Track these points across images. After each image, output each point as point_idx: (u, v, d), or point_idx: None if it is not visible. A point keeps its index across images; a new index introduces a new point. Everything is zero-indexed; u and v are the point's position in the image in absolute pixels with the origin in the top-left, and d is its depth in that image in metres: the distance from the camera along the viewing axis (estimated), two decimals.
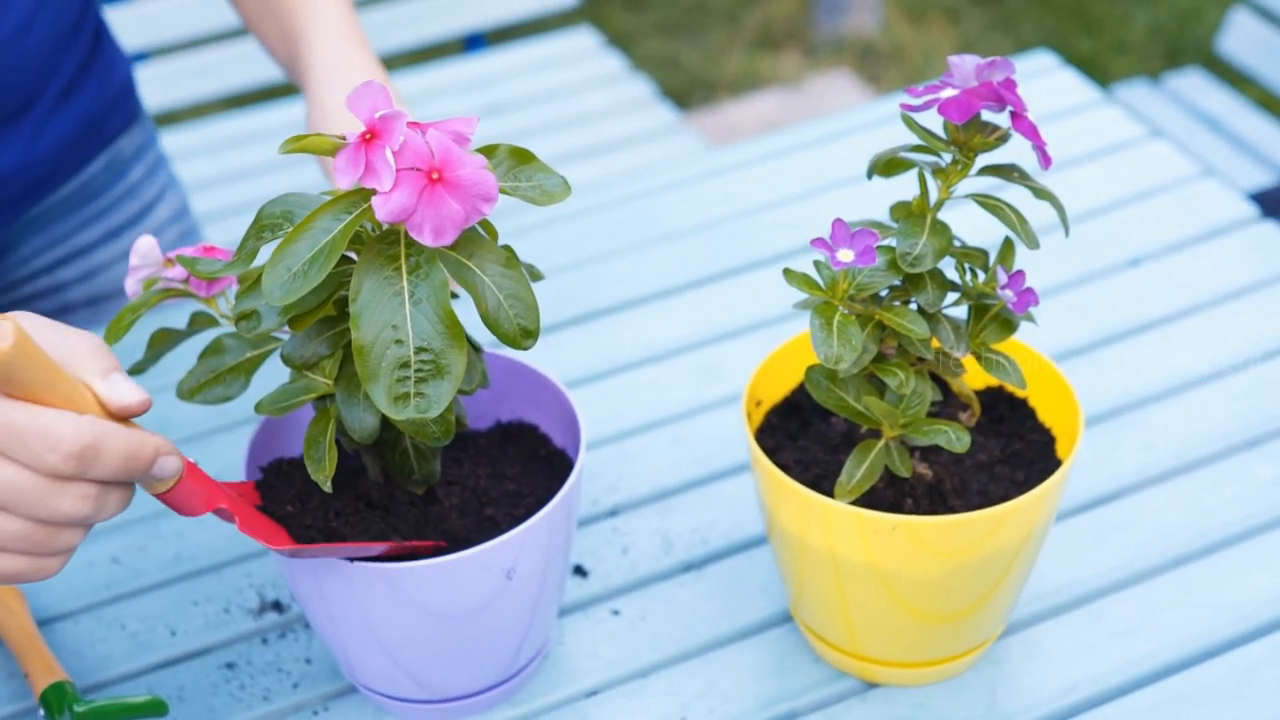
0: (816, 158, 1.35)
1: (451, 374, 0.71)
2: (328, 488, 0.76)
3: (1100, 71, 3.02)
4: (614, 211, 1.29)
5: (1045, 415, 0.91)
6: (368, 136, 0.70)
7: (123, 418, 0.69)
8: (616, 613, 0.95)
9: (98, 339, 0.71)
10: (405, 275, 0.72)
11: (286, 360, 0.79)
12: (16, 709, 0.91)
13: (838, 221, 0.78)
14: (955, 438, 0.80)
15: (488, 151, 0.76)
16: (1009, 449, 0.90)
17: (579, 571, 0.98)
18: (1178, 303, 1.17)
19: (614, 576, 0.98)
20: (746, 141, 1.38)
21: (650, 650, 0.93)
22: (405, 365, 0.71)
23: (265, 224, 0.76)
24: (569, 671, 0.92)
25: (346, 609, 0.83)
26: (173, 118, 2.55)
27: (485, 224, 0.78)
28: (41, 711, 0.86)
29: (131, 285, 0.84)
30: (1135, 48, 3.11)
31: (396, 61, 2.63)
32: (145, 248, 0.84)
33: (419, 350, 0.71)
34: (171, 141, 2.09)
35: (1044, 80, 1.40)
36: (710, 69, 3.13)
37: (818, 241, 0.78)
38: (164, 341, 0.85)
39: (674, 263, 1.24)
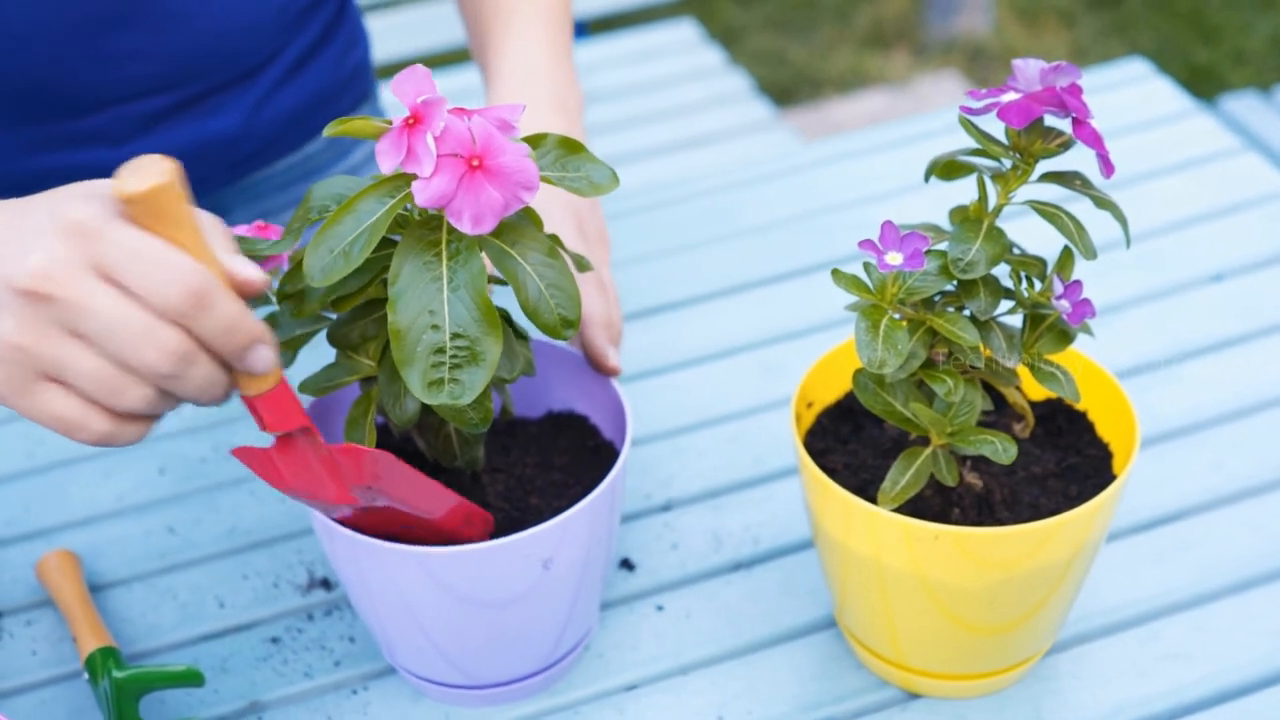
0: (904, 157, 1.33)
1: (486, 361, 0.71)
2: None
3: (1216, 82, 2.96)
4: (689, 205, 1.29)
5: (1104, 430, 0.89)
6: (410, 121, 0.71)
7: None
8: (661, 608, 0.95)
9: (221, 221, 0.72)
10: (445, 261, 0.72)
11: (332, 340, 0.80)
12: (64, 671, 0.92)
13: (887, 223, 0.76)
14: (1002, 449, 0.79)
15: (536, 140, 0.76)
16: (1064, 462, 0.88)
17: (626, 565, 0.97)
18: (1259, 321, 1.13)
19: (661, 572, 0.97)
20: (833, 138, 1.37)
21: (693, 648, 0.92)
22: (440, 351, 0.71)
23: (314, 206, 0.77)
24: (609, 664, 0.92)
25: (385, 591, 0.83)
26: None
27: (531, 213, 0.78)
28: (86, 675, 0.87)
29: None
30: (1254, 58, 3.04)
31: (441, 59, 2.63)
32: (204, 222, 0.84)
33: (455, 336, 0.71)
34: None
35: (1136, 88, 1.37)
36: (817, 66, 3.11)
37: (866, 243, 0.76)
38: None
39: (746, 259, 1.23)
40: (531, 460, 0.90)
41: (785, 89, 3.05)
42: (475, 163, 0.70)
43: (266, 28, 1.12)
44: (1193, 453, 1.03)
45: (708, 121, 2.08)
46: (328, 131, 0.73)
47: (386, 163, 0.71)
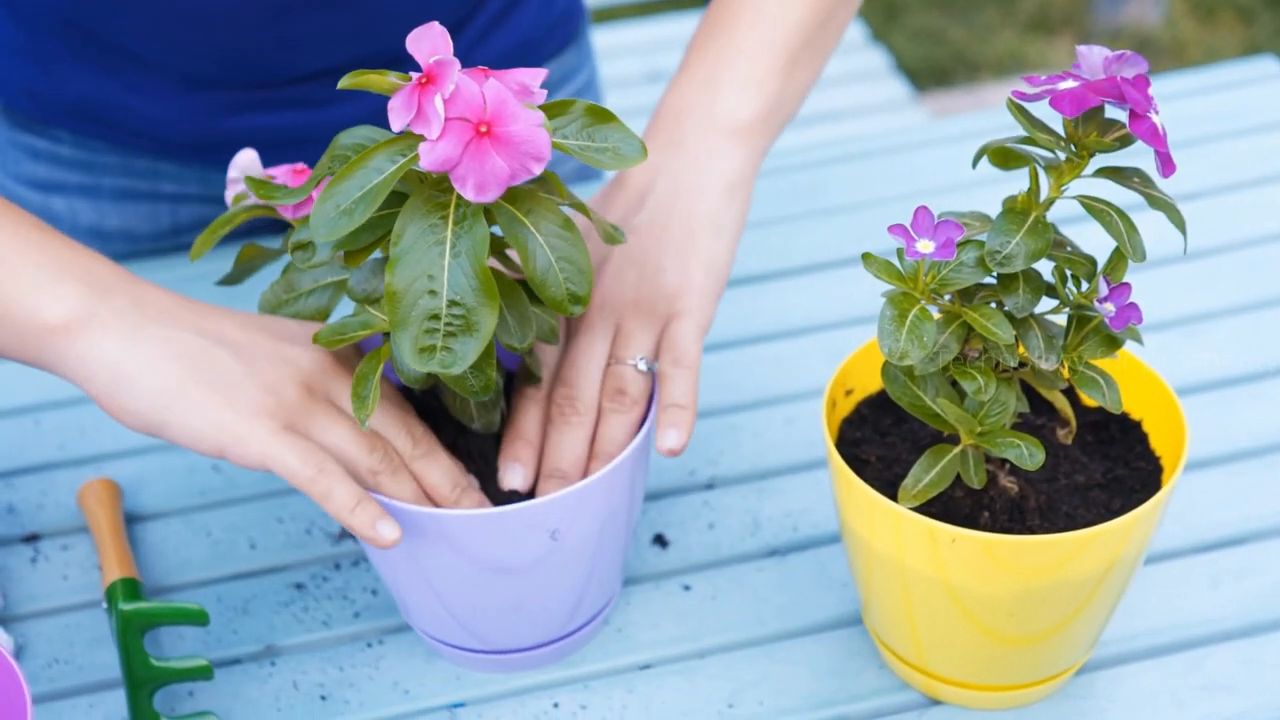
0: None
1: (480, 332, 0.70)
2: (365, 427, 0.75)
3: None
4: (781, 179, 1.25)
5: (1157, 442, 0.85)
6: (424, 81, 0.69)
7: None
8: (688, 588, 0.93)
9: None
10: (451, 225, 0.70)
11: (350, 293, 0.79)
12: (91, 598, 0.93)
13: (921, 209, 0.73)
14: (1028, 454, 0.75)
15: (562, 107, 0.74)
16: (1111, 473, 0.84)
17: (659, 541, 0.95)
18: None
19: (694, 552, 0.95)
20: (951, 118, 1.33)
21: (714, 631, 0.90)
22: (436, 317, 0.70)
23: (337, 155, 0.76)
24: (628, 641, 0.90)
25: (399, 551, 0.82)
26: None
27: (554, 180, 0.76)
28: (105, 604, 0.88)
29: (229, 198, 0.84)
30: None
31: (647, 9, 2.61)
32: (245, 161, 0.84)
33: (451, 304, 0.70)
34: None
35: (1263, 87, 1.30)
36: (976, 48, 3.03)
37: (896, 229, 0.73)
38: (253, 257, 0.85)
39: (832, 237, 1.19)
40: None
41: (941, 70, 2.98)
42: (483, 129, 0.68)
43: None
44: (1269, 474, 0.97)
45: (842, 97, 2.04)
46: (342, 84, 0.71)
47: (397, 121, 0.69)
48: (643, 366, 0.84)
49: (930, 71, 2.96)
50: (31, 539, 0.97)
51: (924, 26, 3.10)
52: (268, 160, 0.98)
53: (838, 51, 2.11)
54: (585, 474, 0.83)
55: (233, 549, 0.96)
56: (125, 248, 1.16)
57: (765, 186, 1.24)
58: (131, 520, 0.98)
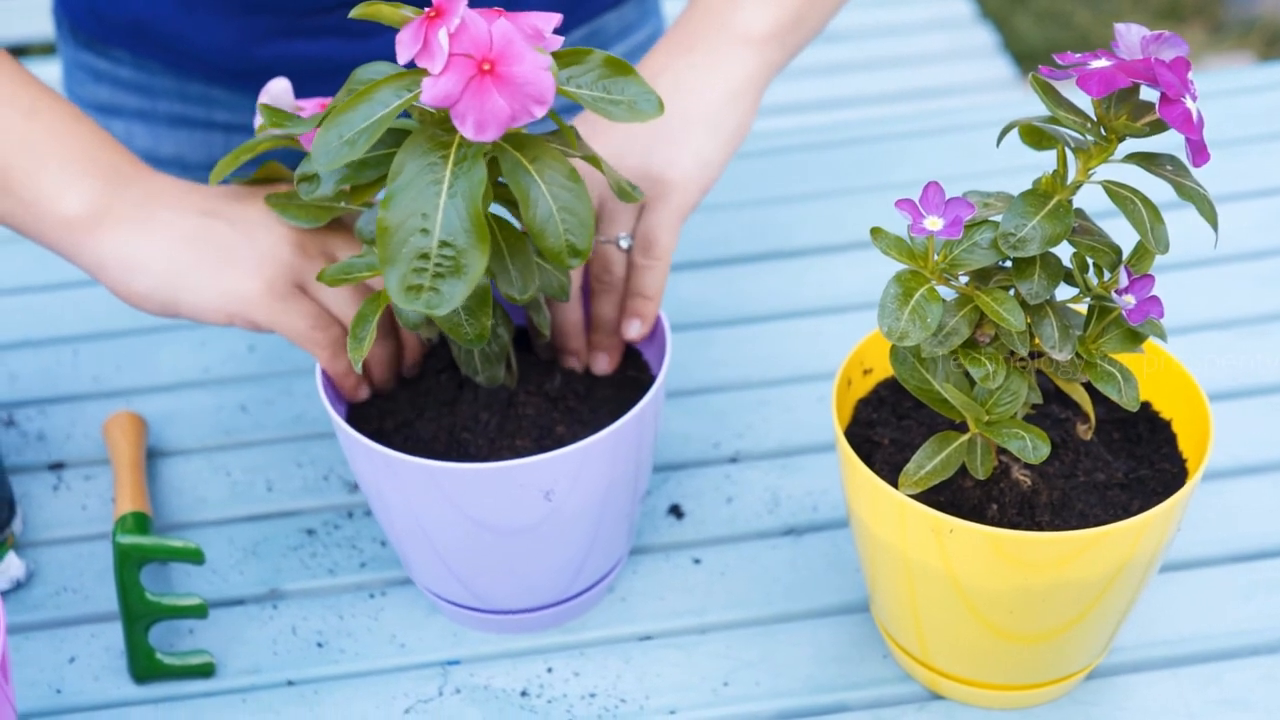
0: None
1: (469, 275, 0.68)
2: (358, 368, 0.75)
3: None
4: (854, 150, 1.22)
5: (1186, 444, 0.81)
6: (433, 14, 0.68)
7: None
8: (698, 561, 0.91)
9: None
10: (450, 166, 0.69)
11: (359, 234, 0.78)
12: (106, 530, 0.93)
13: (931, 185, 0.70)
14: (1032, 446, 0.72)
15: (577, 56, 0.72)
16: (1134, 474, 0.80)
17: (675, 512, 0.93)
18: None
19: (709, 525, 0.93)
20: (1033, 98, 1.28)
21: (718, 608, 0.88)
22: (425, 257, 0.68)
23: (353, 88, 0.75)
24: (630, 610, 0.88)
25: (399, 503, 0.81)
26: None
27: (570, 135, 0.74)
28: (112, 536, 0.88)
29: (256, 126, 0.84)
30: None
31: None
32: (276, 90, 0.83)
33: (442, 244, 0.68)
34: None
35: None
36: (1102, 32, 2.95)
37: (904, 203, 0.70)
38: (271, 176, 0.85)
39: (892, 214, 1.16)
40: (574, 389, 0.86)
41: (1063, 51, 2.91)
42: (486, 66, 0.67)
43: None
44: None
45: (944, 74, 1.99)
46: (353, 14, 0.70)
47: (404, 53, 0.68)
48: (623, 244, 0.86)
49: (1052, 54, 2.89)
50: (57, 467, 0.98)
51: (1050, 9, 3.02)
52: (316, 90, 0.98)
53: (941, 27, 2.07)
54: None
55: (250, 490, 0.96)
56: (177, 175, 1.16)
57: (835, 158, 1.21)
58: (155, 455, 0.98)
